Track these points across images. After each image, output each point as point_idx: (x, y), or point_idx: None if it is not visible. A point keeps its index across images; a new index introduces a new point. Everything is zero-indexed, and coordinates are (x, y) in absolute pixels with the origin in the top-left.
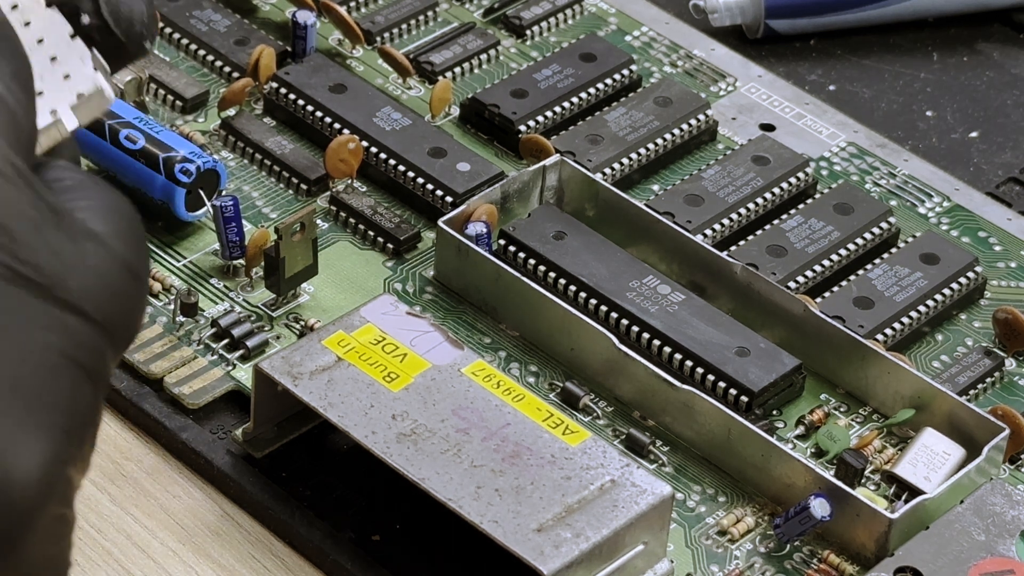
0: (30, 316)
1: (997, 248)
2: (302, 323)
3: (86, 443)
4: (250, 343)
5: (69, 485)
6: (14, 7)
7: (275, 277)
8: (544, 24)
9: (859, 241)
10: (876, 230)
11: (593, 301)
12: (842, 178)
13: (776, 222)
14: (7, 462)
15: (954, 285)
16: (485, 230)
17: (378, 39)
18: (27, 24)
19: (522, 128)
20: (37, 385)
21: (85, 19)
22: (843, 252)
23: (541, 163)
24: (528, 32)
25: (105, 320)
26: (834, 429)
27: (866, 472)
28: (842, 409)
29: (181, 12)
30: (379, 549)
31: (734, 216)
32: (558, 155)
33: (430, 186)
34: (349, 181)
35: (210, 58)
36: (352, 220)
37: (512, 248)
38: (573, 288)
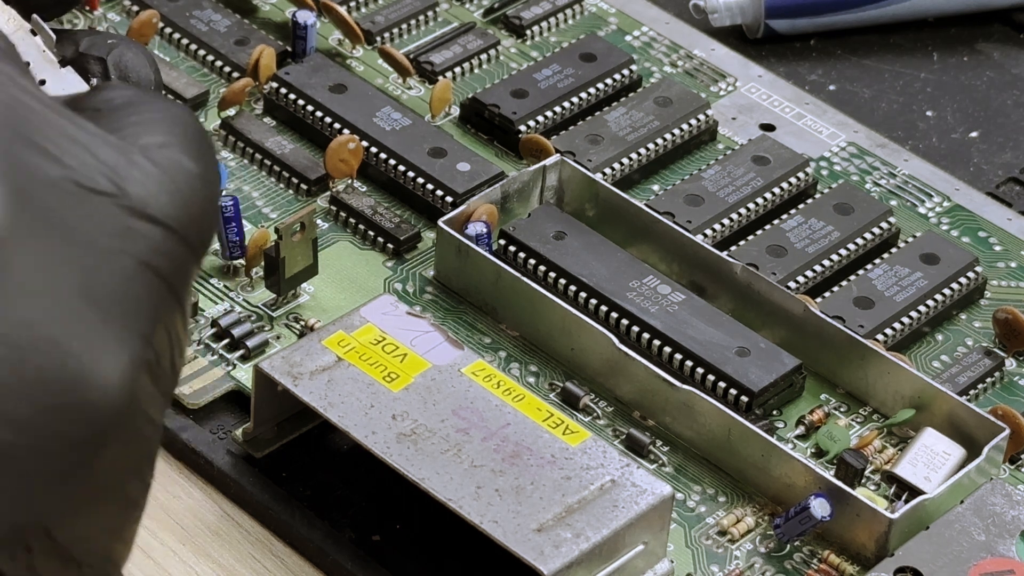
0: (99, 223)
1: (997, 248)
2: (302, 323)
3: (168, 352)
4: (250, 343)
5: (151, 393)
6: (26, 64)
7: (275, 277)
8: (544, 24)
9: (859, 241)
10: (876, 230)
11: (593, 301)
12: (842, 178)
13: (776, 222)
14: (85, 367)
15: (954, 285)
16: (485, 230)
17: (378, 39)
18: (42, 83)
19: (522, 128)
20: (111, 291)
21: (93, 81)
22: (843, 252)
23: (541, 163)
24: (528, 32)
25: (177, 224)
26: (834, 429)
27: (866, 472)
28: (842, 409)
29: (181, 12)
30: (379, 549)
31: (734, 216)
32: (558, 155)
33: (430, 186)
34: (349, 181)
35: (210, 58)
36: (352, 220)
37: (512, 248)
38: (573, 288)
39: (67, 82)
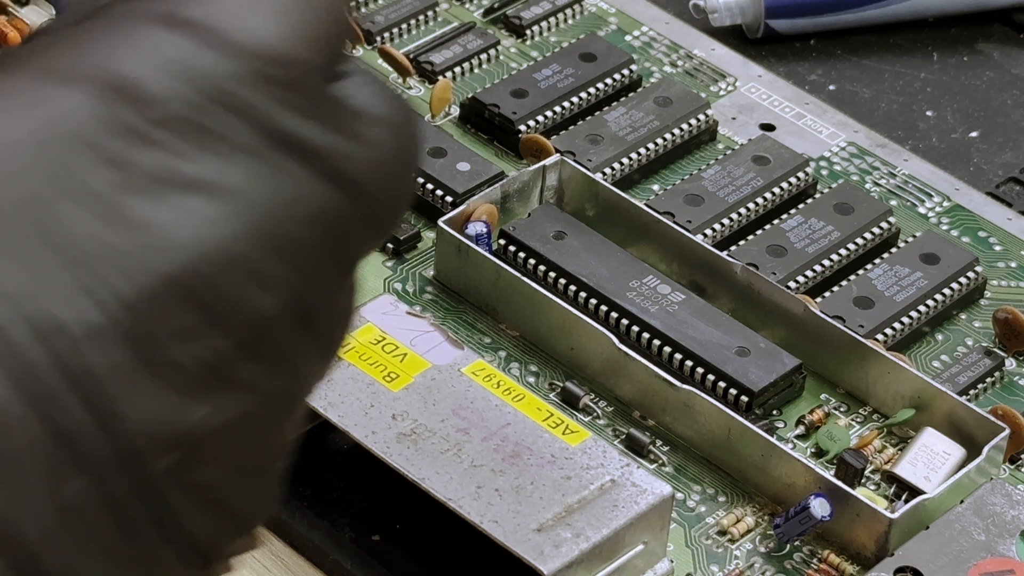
0: (282, 174)
1: (997, 248)
2: None
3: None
4: None
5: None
6: None
7: None
8: (544, 24)
9: (859, 241)
10: (876, 230)
11: (593, 301)
12: (842, 178)
13: (776, 222)
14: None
15: (954, 285)
16: (485, 230)
17: (378, 39)
18: None
19: (522, 128)
20: (279, 233)
21: None
22: (843, 252)
23: (541, 163)
24: (528, 32)
25: (367, 204)
26: (834, 429)
27: (866, 472)
28: (842, 409)
29: None
30: (379, 549)
31: (734, 216)
32: (558, 155)
33: (430, 186)
34: None
35: None
36: None
37: (512, 248)
38: (573, 288)
39: None
